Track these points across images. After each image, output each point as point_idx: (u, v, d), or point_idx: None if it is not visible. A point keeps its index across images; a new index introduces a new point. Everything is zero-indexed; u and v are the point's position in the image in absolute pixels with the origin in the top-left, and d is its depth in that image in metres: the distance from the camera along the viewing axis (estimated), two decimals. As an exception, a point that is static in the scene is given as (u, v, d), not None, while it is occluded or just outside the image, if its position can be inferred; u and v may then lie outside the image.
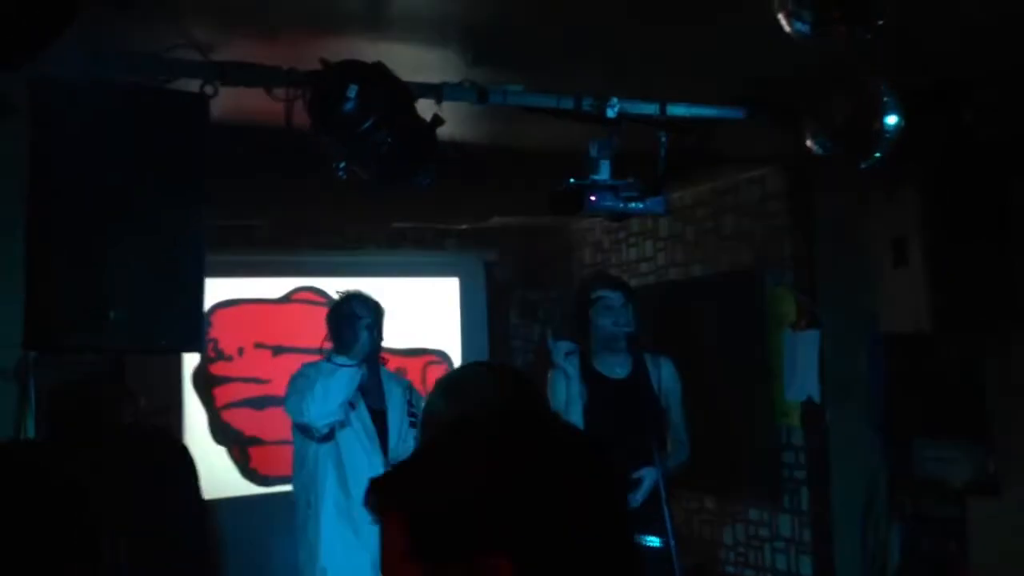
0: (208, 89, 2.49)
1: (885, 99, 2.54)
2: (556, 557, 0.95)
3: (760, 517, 4.55)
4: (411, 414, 3.80)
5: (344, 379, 3.50)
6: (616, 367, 3.62)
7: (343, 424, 3.63)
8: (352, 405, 3.65)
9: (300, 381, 3.63)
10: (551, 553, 0.94)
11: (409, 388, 3.95)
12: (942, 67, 2.96)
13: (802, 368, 4.22)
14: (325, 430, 3.60)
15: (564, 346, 3.51)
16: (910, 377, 3.89)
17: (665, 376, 3.67)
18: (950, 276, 3.27)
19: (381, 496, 1.04)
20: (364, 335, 3.60)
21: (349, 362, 3.54)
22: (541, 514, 0.96)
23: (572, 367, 3.45)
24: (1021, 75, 2.96)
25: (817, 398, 4.18)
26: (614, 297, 3.60)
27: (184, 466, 4.05)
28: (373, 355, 3.70)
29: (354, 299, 3.76)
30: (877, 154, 2.61)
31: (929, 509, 3.81)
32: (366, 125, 2.35)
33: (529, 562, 0.93)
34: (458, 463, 0.99)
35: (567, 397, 3.40)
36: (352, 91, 2.33)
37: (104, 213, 2.39)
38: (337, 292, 3.90)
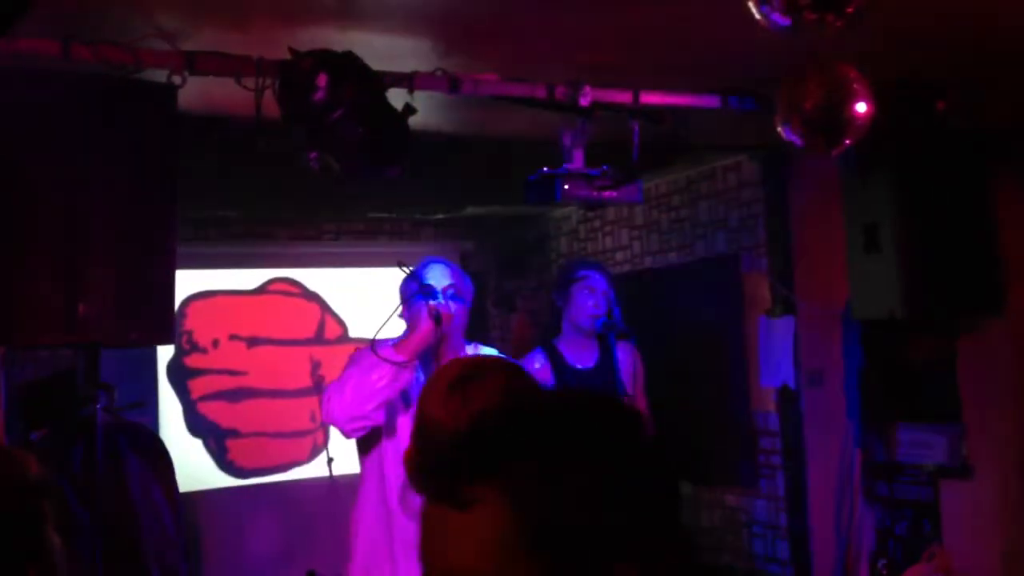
0: (176, 79, 2.46)
1: (855, 86, 2.55)
2: (672, 569, 0.87)
3: (737, 502, 4.58)
4: None
5: (384, 378, 2.66)
6: (584, 356, 3.64)
7: (386, 430, 2.81)
8: (404, 405, 2.80)
9: (345, 371, 2.82)
10: (669, 564, 0.87)
11: None
12: (916, 58, 2.97)
13: (777, 354, 4.24)
14: (352, 435, 2.82)
15: (534, 358, 3.59)
16: (884, 362, 3.92)
17: (630, 361, 3.69)
18: (922, 262, 3.30)
19: (466, 471, 0.86)
20: (424, 321, 2.71)
21: (395, 357, 2.68)
22: (659, 519, 0.88)
23: (545, 372, 3.52)
24: (996, 66, 2.97)
25: (792, 384, 4.21)
26: (598, 279, 3.62)
27: (159, 459, 4.03)
28: (435, 347, 2.82)
29: (428, 267, 2.91)
30: (848, 141, 2.62)
31: (903, 492, 3.84)
32: (336, 115, 2.33)
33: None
34: (586, 461, 0.87)
35: None
36: (322, 81, 2.31)
37: (72, 206, 2.35)
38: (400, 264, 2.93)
